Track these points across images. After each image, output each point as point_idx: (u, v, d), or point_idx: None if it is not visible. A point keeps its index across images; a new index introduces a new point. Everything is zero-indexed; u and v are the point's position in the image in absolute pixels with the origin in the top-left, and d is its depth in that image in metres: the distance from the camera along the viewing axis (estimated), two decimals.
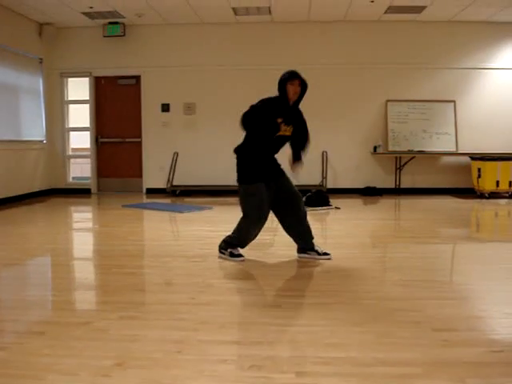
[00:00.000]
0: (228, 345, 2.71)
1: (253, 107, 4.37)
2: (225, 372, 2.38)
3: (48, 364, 2.45)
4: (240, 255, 4.55)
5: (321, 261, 4.52)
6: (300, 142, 4.56)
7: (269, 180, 4.46)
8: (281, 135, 4.42)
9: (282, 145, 4.55)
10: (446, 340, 2.72)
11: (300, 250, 4.64)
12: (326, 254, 4.60)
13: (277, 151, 4.58)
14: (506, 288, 3.79)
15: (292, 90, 4.33)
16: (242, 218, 4.56)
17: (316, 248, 4.61)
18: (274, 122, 4.33)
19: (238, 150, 4.54)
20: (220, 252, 4.68)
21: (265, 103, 4.38)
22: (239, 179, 4.52)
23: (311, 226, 4.63)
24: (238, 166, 4.53)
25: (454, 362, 2.44)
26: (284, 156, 4.63)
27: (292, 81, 4.32)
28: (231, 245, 4.60)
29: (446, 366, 2.41)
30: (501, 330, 2.93)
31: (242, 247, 4.63)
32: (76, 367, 2.41)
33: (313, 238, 4.62)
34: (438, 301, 3.43)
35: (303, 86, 4.38)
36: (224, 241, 4.66)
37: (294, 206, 4.54)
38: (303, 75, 4.38)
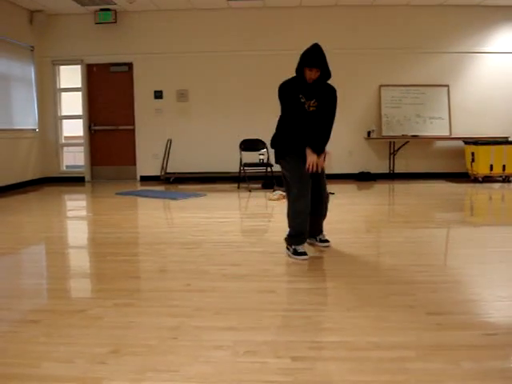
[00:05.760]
0: (223, 330, 2.72)
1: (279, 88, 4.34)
2: (220, 358, 2.39)
3: (43, 352, 2.46)
4: (304, 253, 4.23)
5: (315, 246, 4.55)
6: (321, 121, 4.44)
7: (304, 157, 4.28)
8: (311, 111, 4.36)
9: (314, 122, 4.39)
10: (440, 323, 2.74)
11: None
12: (325, 241, 4.63)
13: (313, 130, 4.37)
14: (500, 271, 3.81)
15: (308, 74, 4.23)
16: (288, 196, 4.46)
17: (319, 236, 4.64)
18: (297, 98, 4.28)
19: (273, 139, 4.51)
20: (286, 248, 4.41)
21: (286, 83, 4.33)
22: (276, 158, 4.47)
23: None
24: (274, 150, 4.48)
25: (448, 345, 2.46)
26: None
27: (310, 69, 4.19)
28: (292, 239, 4.34)
29: (441, 349, 2.42)
30: (495, 313, 2.94)
31: (302, 234, 4.31)
32: (71, 355, 2.42)
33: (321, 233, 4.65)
34: (432, 285, 3.45)
35: (324, 72, 4.29)
36: (288, 234, 4.40)
37: (315, 208, 4.39)
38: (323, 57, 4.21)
